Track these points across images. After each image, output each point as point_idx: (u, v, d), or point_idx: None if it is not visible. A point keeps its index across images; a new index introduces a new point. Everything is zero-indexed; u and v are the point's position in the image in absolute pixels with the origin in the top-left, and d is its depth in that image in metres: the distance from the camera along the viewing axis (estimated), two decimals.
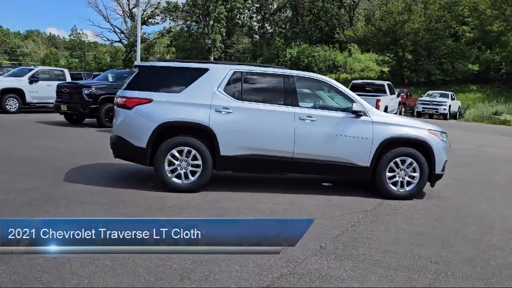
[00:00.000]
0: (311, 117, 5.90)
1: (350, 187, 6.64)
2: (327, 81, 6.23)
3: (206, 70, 5.95)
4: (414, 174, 6.08)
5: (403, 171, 6.05)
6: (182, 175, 5.80)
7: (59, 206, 4.95)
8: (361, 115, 5.96)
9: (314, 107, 6.05)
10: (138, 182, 6.23)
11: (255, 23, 49.21)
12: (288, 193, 6.10)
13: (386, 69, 37.28)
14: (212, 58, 39.54)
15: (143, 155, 5.78)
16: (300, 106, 5.96)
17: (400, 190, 6.09)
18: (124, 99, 5.80)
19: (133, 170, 7.12)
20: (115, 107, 6.04)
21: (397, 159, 6.01)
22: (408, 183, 6.09)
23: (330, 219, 4.96)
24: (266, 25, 45.27)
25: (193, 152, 5.75)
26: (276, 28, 45.65)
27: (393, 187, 6.07)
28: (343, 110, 6.05)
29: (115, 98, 6.12)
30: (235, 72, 5.97)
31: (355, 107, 5.94)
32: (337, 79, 31.97)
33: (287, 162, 5.94)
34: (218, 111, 5.78)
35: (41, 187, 5.72)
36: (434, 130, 6.23)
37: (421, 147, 6.07)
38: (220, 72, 5.95)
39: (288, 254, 3.69)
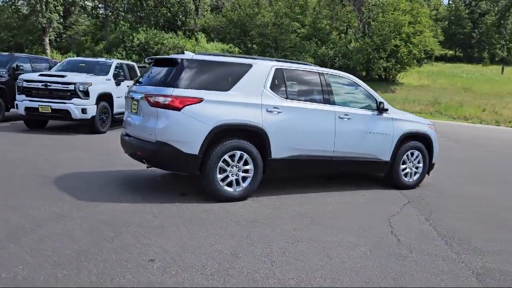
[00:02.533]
0: (348, 115, 6.00)
1: (355, 180, 6.96)
2: (353, 78, 6.39)
3: (250, 66, 5.45)
4: (420, 165, 6.79)
5: (411, 163, 6.69)
6: (234, 183, 5.25)
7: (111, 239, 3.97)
8: (383, 112, 6.33)
9: (346, 105, 6.13)
10: (166, 193, 5.36)
11: (89, 3, 44.77)
12: (316, 191, 6.10)
13: None
14: (47, 40, 34.47)
15: (194, 163, 5.01)
16: (336, 105, 5.99)
17: (410, 181, 6.72)
18: (170, 98, 4.87)
19: (137, 177, 6.08)
20: (148, 106, 5.02)
21: (408, 152, 6.61)
22: (415, 174, 6.77)
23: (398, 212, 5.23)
24: (102, 6, 41.60)
25: (245, 156, 5.25)
26: (119, 12, 42.44)
27: (405, 178, 6.66)
28: (369, 107, 6.32)
29: (147, 97, 5.06)
30: (277, 69, 5.63)
31: (381, 104, 6.28)
32: None
33: (328, 161, 5.94)
34: (269, 111, 5.38)
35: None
36: (431, 124, 7.05)
37: (425, 140, 6.81)
38: (263, 69, 5.52)
39: None
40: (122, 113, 11.74)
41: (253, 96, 5.34)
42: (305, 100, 5.77)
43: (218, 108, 5.08)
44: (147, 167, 5.23)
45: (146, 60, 6.10)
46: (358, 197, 5.96)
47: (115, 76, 11.12)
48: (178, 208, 4.82)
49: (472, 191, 6.86)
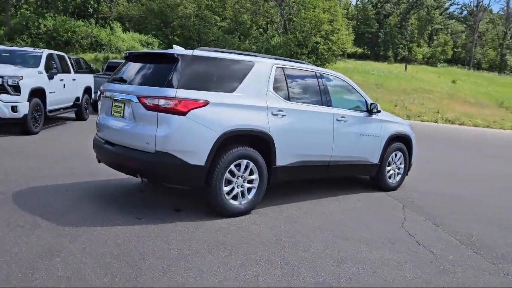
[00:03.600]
0: (344, 117, 5.72)
1: (332, 184, 6.75)
2: (344, 78, 6.10)
3: (252, 64, 4.89)
4: (402, 166, 6.77)
5: (395, 164, 6.65)
6: (239, 195, 4.69)
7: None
8: (373, 114, 6.16)
9: (342, 107, 5.83)
10: (158, 208, 4.62)
11: None
12: (308, 198, 5.77)
13: None
14: None
15: (200, 175, 4.34)
16: (333, 106, 5.67)
17: (393, 182, 6.68)
18: (174, 101, 4.13)
19: (110, 188, 5.20)
20: (143, 110, 4.23)
21: (393, 154, 6.55)
22: (397, 175, 6.73)
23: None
24: None
25: (251, 165, 4.71)
26: None
27: (389, 180, 6.59)
28: (359, 108, 6.10)
29: (141, 99, 4.25)
30: (277, 67, 5.13)
31: (372, 105, 6.10)
32: (105, 59, 29.84)
33: (326, 166, 5.62)
34: (274, 114, 4.88)
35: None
36: (410, 125, 7.06)
37: (406, 141, 6.80)
38: (265, 67, 5.00)
39: None
40: (56, 110, 10.49)
41: (258, 98, 4.80)
42: (306, 102, 5.36)
43: (225, 112, 4.46)
44: (142, 181, 4.42)
45: (124, 54, 5.21)
46: (355, 203, 5.73)
47: (47, 68, 9.69)
48: (185, 229, 4.14)
49: (450, 190, 7.03)
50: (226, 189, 4.54)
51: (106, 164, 4.96)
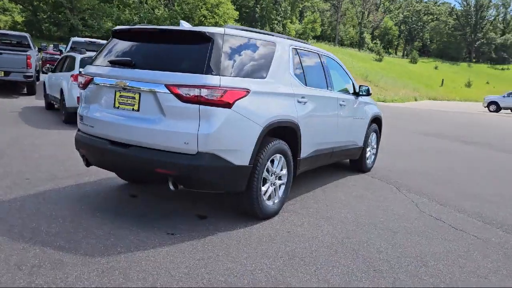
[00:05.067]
0: (344, 101, 5.51)
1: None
2: (335, 58, 5.81)
3: (274, 44, 4.30)
4: (375, 147, 6.87)
5: (370, 146, 6.71)
6: (272, 194, 4.18)
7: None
8: (359, 96, 6.06)
9: (340, 91, 5.56)
10: (180, 218, 3.88)
11: None
12: (309, 185, 5.53)
13: (20, 19, 32.04)
14: None
15: (244, 177, 3.71)
16: (334, 90, 5.39)
17: (369, 163, 6.75)
18: (220, 92, 3.38)
19: (106, 194, 4.19)
20: (177, 102, 3.38)
21: (370, 135, 6.59)
22: (372, 156, 6.82)
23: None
24: None
25: (282, 160, 4.23)
26: None
27: (367, 161, 6.64)
28: (347, 91, 5.91)
29: (173, 89, 3.38)
30: (293, 48, 4.63)
31: (359, 88, 5.98)
32: None
33: (330, 153, 5.36)
34: (299, 101, 4.42)
35: None
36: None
37: (379, 122, 6.89)
38: (285, 48, 4.45)
39: None
40: None
41: (285, 84, 4.27)
42: (318, 87, 4.97)
43: (264, 102, 3.85)
44: (174, 190, 3.57)
45: (113, 30, 4.11)
46: (353, 188, 5.61)
47: None
48: (236, 242, 3.51)
49: (413, 166, 7.38)
50: (263, 189, 3.99)
51: (109, 169, 3.98)
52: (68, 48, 14.97)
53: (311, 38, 64.97)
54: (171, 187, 3.54)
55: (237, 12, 39.09)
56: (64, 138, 7.49)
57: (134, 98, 3.63)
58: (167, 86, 3.42)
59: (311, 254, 3.39)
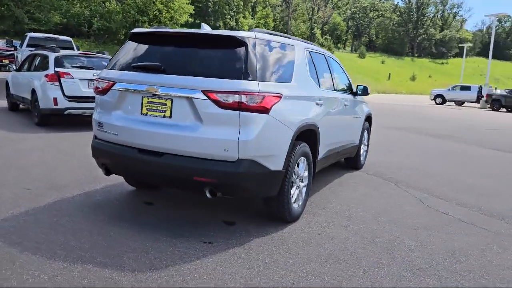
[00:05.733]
0: (347, 102, 5.62)
1: None
2: (335, 58, 5.88)
3: (293, 47, 4.30)
4: (366, 144, 7.07)
5: (363, 144, 6.89)
6: (298, 196, 4.20)
7: None
8: (356, 95, 6.20)
9: (342, 91, 5.66)
10: (214, 224, 3.82)
11: None
12: (317, 184, 5.62)
13: None
14: None
15: (278, 182, 3.70)
16: (338, 91, 5.48)
17: (363, 160, 6.93)
18: (259, 97, 3.34)
19: (119, 203, 4.02)
20: (215, 108, 3.30)
21: (363, 133, 6.77)
22: (364, 152, 7.01)
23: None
24: None
25: (305, 162, 4.26)
26: None
27: (361, 158, 6.82)
28: (347, 90, 6.02)
29: (211, 95, 3.28)
30: (307, 51, 4.65)
31: (356, 88, 6.10)
32: None
33: (337, 153, 5.45)
34: (317, 104, 4.46)
35: None
36: None
37: (370, 120, 7.08)
38: (302, 51, 4.47)
39: None
40: None
41: (306, 87, 4.30)
42: (328, 88, 5.04)
43: (293, 105, 3.86)
44: (211, 197, 3.46)
45: (132, 32, 3.91)
46: (356, 186, 5.75)
47: None
48: (276, 248, 3.50)
49: (400, 161, 7.65)
50: (291, 192, 4.00)
51: (135, 177, 3.82)
52: (24, 45, 14.08)
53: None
54: (208, 195, 3.46)
55: (193, 7, 38.45)
56: (47, 142, 7.08)
57: (165, 104, 3.50)
58: (204, 92, 3.33)
59: (351, 256, 3.45)
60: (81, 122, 9.32)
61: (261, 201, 4.07)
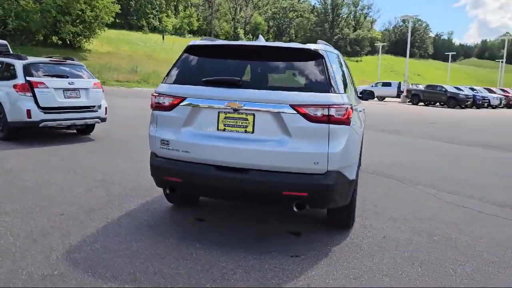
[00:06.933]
0: (360, 110, 5.82)
1: None
2: (345, 61, 6.05)
3: (338, 56, 4.42)
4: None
5: None
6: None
7: None
8: (361, 100, 6.46)
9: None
10: (281, 238, 3.83)
11: None
12: None
13: None
14: None
15: (351, 191, 3.79)
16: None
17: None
18: (343, 109, 3.40)
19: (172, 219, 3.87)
20: (305, 122, 3.31)
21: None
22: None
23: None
24: None
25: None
26: None
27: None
28: (356, 94, 6.24)
29: (300, 109, 3.27)
30: (337, 57, 4.77)
31: (363, 92, 6.37)
32: None
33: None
34: (360, 111, 4.63)
35: None
36: None
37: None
38: (341, 59, 4.61)
39: None
40: None
41: (353, 95, 4.44)
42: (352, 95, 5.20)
43: (356, 115, 3.99)
44: (299, 211, 3.42)
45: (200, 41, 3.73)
46: (368, 186, 6.00)
47: None
48: (360, 255, 3.59)
49: (393, 160, 8.09)
50: None
51: (210, 195, 3.66)
52: None
53: (187, 32, 64.48)
54: (295, 209, 3.46)
55: (118, 6, 36.79)
56: (33, 159, 6.45)
57: (246, 119, 3.42)
58: (293, 106, 3.33)
59: (429, 257, 3.62)
60: (50, 133, 8.61)
61: (323, 210, 4.13)
